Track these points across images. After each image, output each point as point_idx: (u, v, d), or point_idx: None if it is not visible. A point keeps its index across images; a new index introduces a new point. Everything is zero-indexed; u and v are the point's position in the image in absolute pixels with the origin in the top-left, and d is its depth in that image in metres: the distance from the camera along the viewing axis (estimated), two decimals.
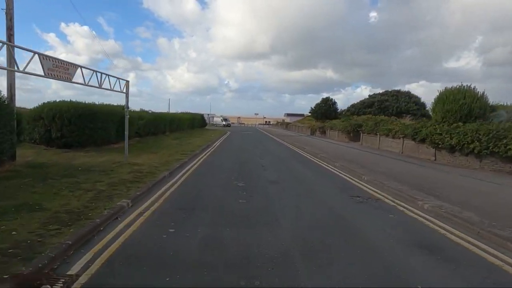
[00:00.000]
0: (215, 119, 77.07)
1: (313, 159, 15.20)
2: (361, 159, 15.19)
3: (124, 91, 10.39)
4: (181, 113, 42.84)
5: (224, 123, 68.78)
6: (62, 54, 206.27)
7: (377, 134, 20.90)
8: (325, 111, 50.04)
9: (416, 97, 48.26)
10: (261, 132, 47.48)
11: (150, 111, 28.87)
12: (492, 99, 16.15)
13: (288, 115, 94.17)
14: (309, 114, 56.62)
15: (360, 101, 48.11)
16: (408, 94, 47.87)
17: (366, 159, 15.07)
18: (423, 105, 47.91)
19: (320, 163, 13.80)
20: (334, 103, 51.77)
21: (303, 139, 30.89)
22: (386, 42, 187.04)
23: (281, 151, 19.09)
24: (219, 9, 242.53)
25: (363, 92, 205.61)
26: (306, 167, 12.73)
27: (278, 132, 48.30)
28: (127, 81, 10.41)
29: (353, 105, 48.51)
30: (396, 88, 50.14)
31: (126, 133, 10.76)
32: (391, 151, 18.87)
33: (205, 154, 15.62)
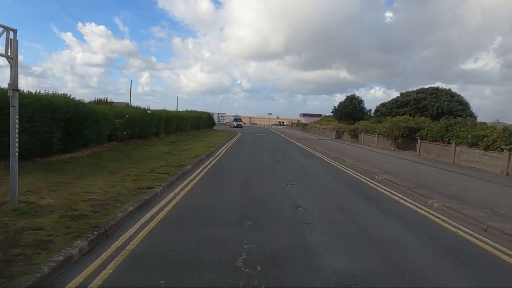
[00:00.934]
0: (230, 118, 70.75)
1: (378, 187, 9.17)
2: (460, 188, 9.07)
3: (8, 53, 4.70)
4: (185, 111, 37.31)
5: (234, 123, 60.42)
6: (79, 53, 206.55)
7: (450, 143, 14.62)
8: (351, 110, 43.46)
9: (458, 95, 41.11)
10: (276, 134, 41.52)
11: (149, 109, 23.21)
12: None
13: (304, 115, 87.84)
14: (331, 114, 50.08)
15: (392, 99, 41.28)
16: (449, 92, 40.80)
17: (473, 190, 8.94)
18: (467, 105, 40.99)
19: (399, 200, 7.76)
20: (361, 101, 45.03)
21: (332, 144, 24.79)
22: (401, 43, 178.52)
23: (315, 167, 13.11)
24: (233, 9, 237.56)
25: (377, 93, 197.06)
26: (385, 213, 6.73)
27: (296, 134, 42.20)
28: (11, 31, 4.71)
29: (383, 105, 41.79)
30: (434, 86, 43.15)
31: (13, 139, 5.03)
32: (481, 170, 12.57)
33: (198, 174, 9.84)
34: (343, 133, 32.49)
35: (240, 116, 70.23)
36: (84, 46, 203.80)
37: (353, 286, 3.39)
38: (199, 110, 44.65)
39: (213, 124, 47.40)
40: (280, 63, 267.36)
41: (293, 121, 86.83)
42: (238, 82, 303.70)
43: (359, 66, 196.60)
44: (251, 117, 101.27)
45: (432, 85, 43.41)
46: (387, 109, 39.85)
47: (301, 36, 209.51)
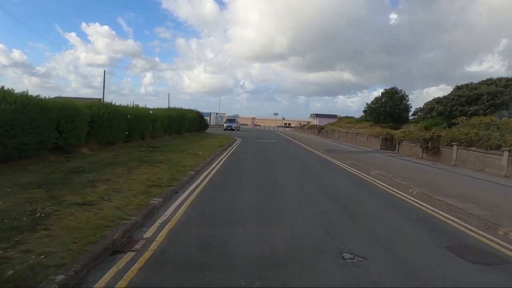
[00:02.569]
0: (236, 119, 59.08)
1: None
2: None
3: None
4: (156, 108, 24.98)
5: (225, 125, 48.66)
6: (82, 53, 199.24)
7: None
8: (391, 109, 31.89)
9: None
10: (290, 141, 30.28)
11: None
12: None
13: (317, 115, 76.43)
14: (362, 113, 38.62)
15: (451, 94, 29.67)
16: None
17: None
18: None
19: None
20: (404, 97, 33.46)
21: (420, 170, 13.53)
22: (406, 45, 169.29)
23: None
24: (238, 10, 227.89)
25: (380, 95, 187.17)
26: None
27: (317, 141, 30.83)
28: None
29: (438, 101, 30.20)
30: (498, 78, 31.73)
31: None
32: None
33: None
34: (398, 143, 21.16)
35: (236, 116, 58.53)
36: (88, 46, 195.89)
37: None
38: (203, 111, 33.83)
39: (206, 126, 36.25)
40: (284, 64, 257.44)
41: (302, 123, 75.60)
42: (241, 83, 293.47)
43: (363, 68, 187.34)
44: (253, 118, 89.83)
45: (438, 87, 33.08)
46: (446, 107, 28.47)
47: (305, 37, 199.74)
